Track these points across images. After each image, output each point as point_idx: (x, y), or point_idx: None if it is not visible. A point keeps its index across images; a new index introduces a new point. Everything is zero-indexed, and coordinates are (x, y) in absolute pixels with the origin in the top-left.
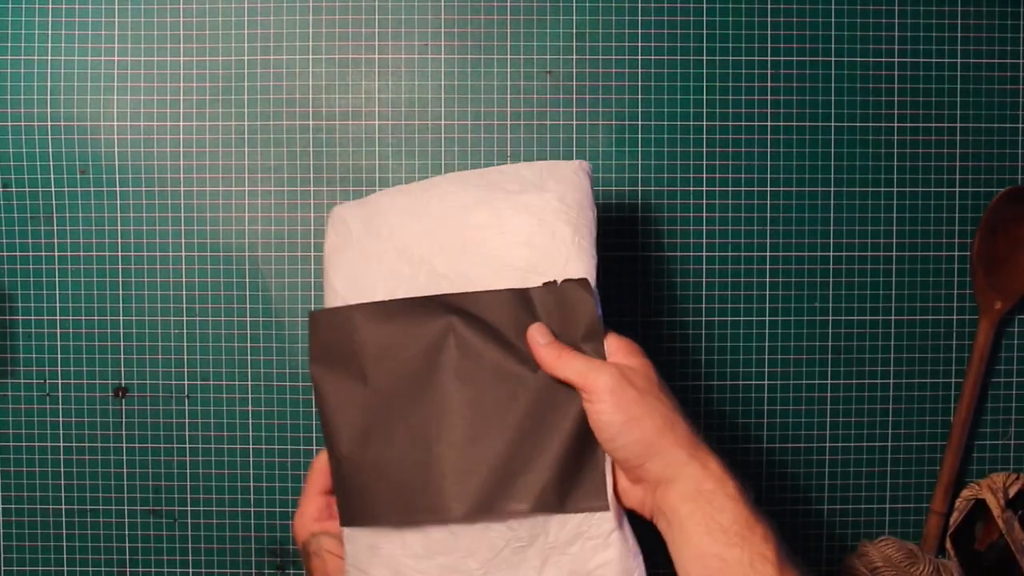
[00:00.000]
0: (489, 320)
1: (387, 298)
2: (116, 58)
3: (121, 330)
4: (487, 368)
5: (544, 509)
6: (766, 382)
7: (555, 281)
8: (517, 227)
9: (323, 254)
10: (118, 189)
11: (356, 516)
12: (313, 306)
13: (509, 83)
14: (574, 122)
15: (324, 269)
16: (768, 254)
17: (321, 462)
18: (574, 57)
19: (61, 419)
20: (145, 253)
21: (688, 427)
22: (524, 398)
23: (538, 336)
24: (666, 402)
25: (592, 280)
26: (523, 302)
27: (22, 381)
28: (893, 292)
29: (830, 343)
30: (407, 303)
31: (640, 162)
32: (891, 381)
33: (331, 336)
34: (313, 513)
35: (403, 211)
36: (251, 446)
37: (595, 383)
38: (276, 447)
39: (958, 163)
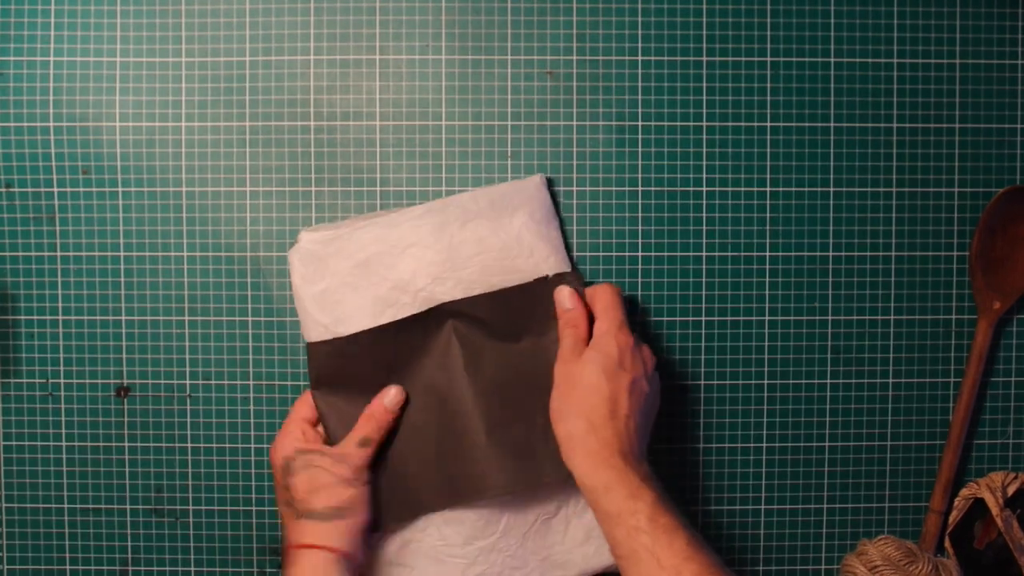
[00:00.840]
0: (487, 318)
1: (381, 323)
2: (118, 59)
3: (123, 330)
4: (493, 359)
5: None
6: (766, 382)
7: (547, 276)
8: (499, 249)
9: (293, 288)
10: (120, 189)
11: (395, 515)
12: None
13: (509, 83)
14: (574, 122)
15: (298, 303)
16: (768, 254)
17: (307, 396)
18: (574, 57)
19: (63, 418)
20: (147, 253)
21: (598, 422)
22: (532, 380)
23: (566, 299)
24: (588, 399)
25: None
26: (517, 297)
27: (24, 380)
28: (892, 292)
29: (830, 343)
30: (403, 322)
31: (640, 162)
32: (890, 381)
33: (332, 364)
34: (298, 434)
35: (390, 244)
36: (253, 445)
37: (556, 371)
38: None
39: (957, 163)
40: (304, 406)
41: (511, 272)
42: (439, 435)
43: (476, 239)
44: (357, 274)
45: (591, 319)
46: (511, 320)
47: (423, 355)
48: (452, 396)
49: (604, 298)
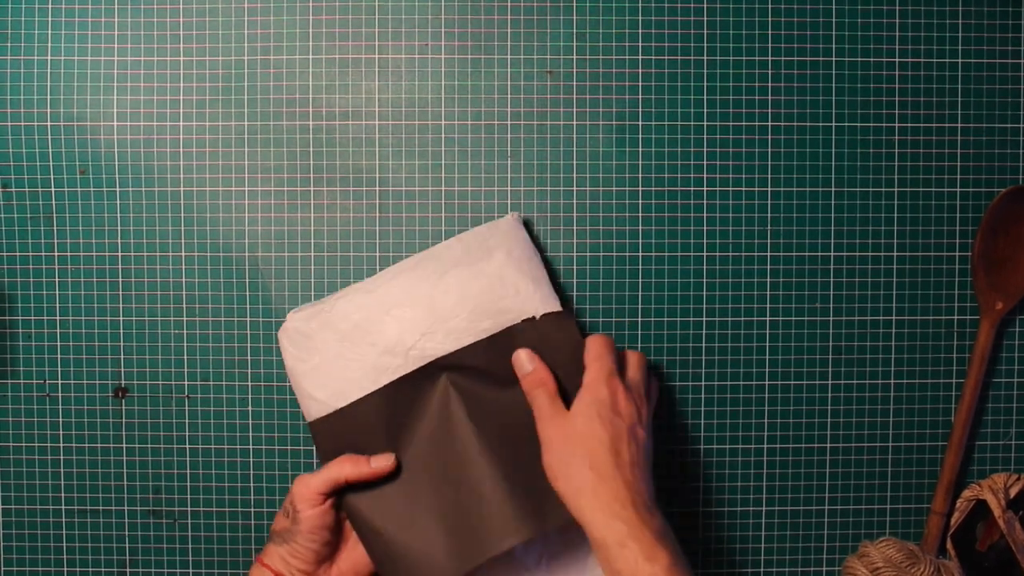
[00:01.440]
0: (481, 366)
1: (377, 387)
2: (116, 58)
3: (121, 330)
4: (494, 406)
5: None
6: (766, 382)
7: (534, 317)
8: (482, 294)
9: (287, 371)
10: (118, 189)
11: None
12: None
13: (509, 83)
14: (574, 122)
15: (294, 384)
16: (768, 254)
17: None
18: (574, 57)
19: (61, 419)
20: (145, 253)
21: (593, 479)
22: (532, 423)
23: (525, 362)
24: (589, 449)
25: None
26: (507, 341)
27: (22, 381)
28: (894, 292)
29: (830, 343)
30: (399, 382)
31: (640, 162)
32: (892, 381)
33: (337, 438)
34: (320, 487)
35: (371, 310)
36: (251, 446)
37: (541, 432)
38: (276, 447)
39: (959, 163)
40: (346, 466)
41: (500, 314)
42: (449, 490)
43: (458, 286)
44: (345, 346)
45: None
46: (505, 365)
47: (423, 414)
48: (458, 449)
49: (595, 348)
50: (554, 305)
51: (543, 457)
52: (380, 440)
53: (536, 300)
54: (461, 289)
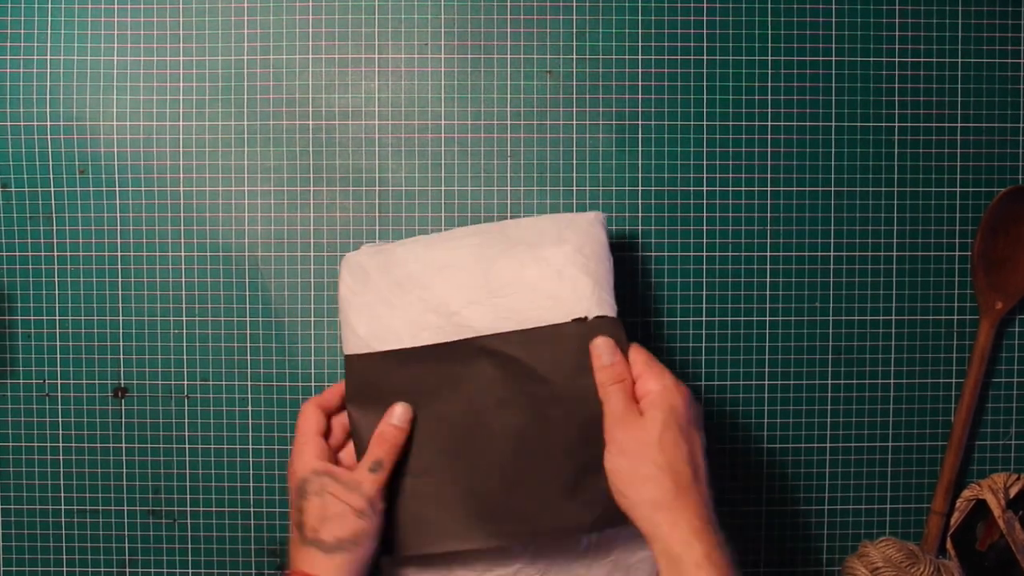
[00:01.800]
0: (521, 357)
1: (414, 344)
2: (115, 58)
3: (120, 330)
4: (524, 400)
5: (606, 521)
6: (766, 382)
7: (585, 317)
8: (539, 280)
9: (338, 298)
10: (117, 189)
11: (411, 544)
12: (313, 306)
13: (509, 83)
14: (574, 122)
15: (342, 313)
16: (768, 254)
17: (310, 406)
18: (574, 57)
19: (60, 419)
20: (145, 253)
21: (674, 489)
22: (562, 424)
23: (605, 353)
24: (669, 460)
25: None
26: (552, 336)
27: (21, 381)
28: (893, 292)
29: (830, 343)
30: (437, 348)
31: (640, 162)
32: (891, 381)
33: (365, 378)
34: (313, 451)
35: (427, 263)
36: (251, 446)
37: (612, 432)
38: (276, 447)
39: (959, 163)
40: (313, 418)
41: (548, 306)
42: (464, 469)
43: (517, 266)
44: (395, 292)
45: None
46: (545, 359)
47: (455, 386)
48: (480, 433)
49: (643, 354)
50: (608, 311)
51: (611, 459)
52: (410, 398)
53: (592, 301)
54: (519, 269)
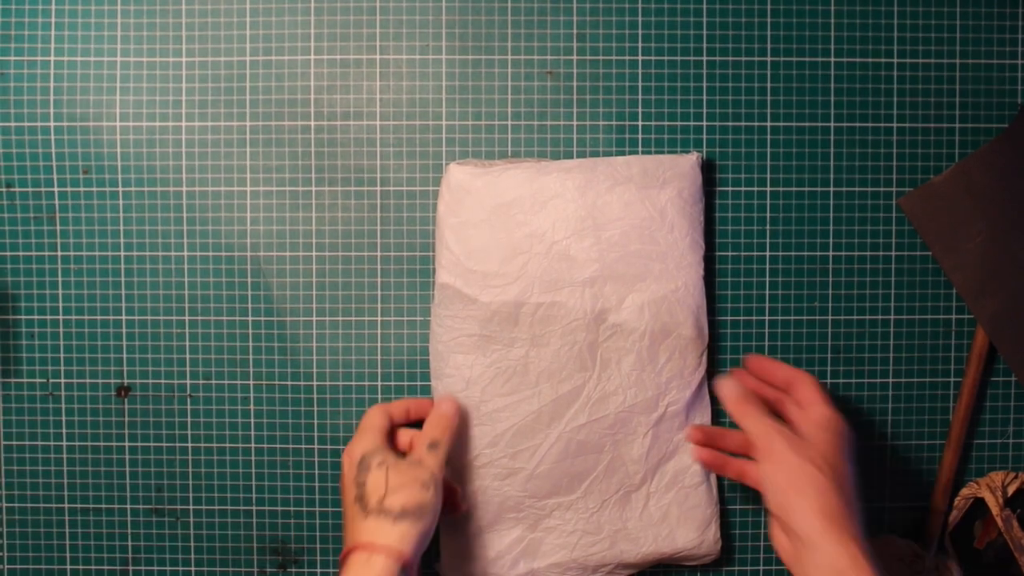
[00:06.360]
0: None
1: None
2: (119, 59)
3: (124, 329)
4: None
5: None
6: None
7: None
8: (642, 219)
9: (437, 211)
10: (121, 189)
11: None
12: (315, 306)
13: (509, 83)
14: (574, 122)
15: (437, 227)
16: (768, 254)
17: (377, 407)
18: (574, 57)
19: (64, 418)
20: (148, 253)
21: (841, 505)
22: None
23: (729, 392)
24: (828, 476)
25: (699, 268)
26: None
27: (25, 380)
28: (893, 292)
29: (830, 343)
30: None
31: None
32: (890, 380)
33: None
34: (377, 437)
35: (534, 191)
36: (253, 445)
37: (765, 446)
38: (278, 446)
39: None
40: (378, 417)
41: (649, 243)
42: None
43: (622, 203)
44: (497, 215)
45: None
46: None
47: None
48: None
49: (807, 381)
50: (698, 250)
51: (777, 475)
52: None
53: (686, 243)
54: (624, 207)
